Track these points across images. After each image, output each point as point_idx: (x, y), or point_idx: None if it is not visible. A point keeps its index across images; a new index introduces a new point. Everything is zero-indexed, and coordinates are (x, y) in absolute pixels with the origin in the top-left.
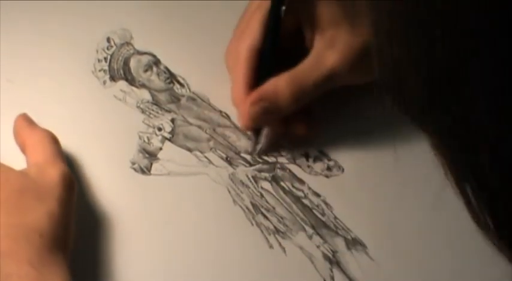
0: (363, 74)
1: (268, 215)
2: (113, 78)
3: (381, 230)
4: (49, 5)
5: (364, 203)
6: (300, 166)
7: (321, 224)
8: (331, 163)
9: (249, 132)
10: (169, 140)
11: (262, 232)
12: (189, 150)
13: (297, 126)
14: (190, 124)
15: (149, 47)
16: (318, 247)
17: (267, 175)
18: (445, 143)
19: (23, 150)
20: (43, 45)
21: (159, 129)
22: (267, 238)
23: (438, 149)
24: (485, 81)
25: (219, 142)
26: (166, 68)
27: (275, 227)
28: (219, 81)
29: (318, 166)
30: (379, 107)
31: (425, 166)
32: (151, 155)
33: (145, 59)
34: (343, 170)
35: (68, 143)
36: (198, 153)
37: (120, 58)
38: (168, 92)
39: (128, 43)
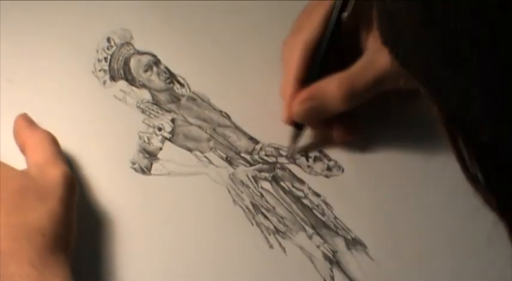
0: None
1: (268, 215)
2: (113, 78)
3: (381, 230)
4: (49, 5)
5: (364, 203)
6: (300, 166)
7: (321, 224)
8: (331, 163)
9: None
10: (170, 140)
11: (262, 232)
12: (189, 150)
13: (340, 130)
14: (191, 124)
15: (149, 47)
16: (318, 247)
17: (267, 174)
18: (441, 97)
19: (23, 150)
20: (43, 45)
21: (159, 129)
22: (267, 238)
23: (430, 98)
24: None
25: (219, 141)
26: (166, 68)
27: (275, 227)
28: (219, 81)
29: (318, 166)
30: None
31: (425, 166)
32: (152, 155)
33: (145, 59)
34: (343, 170)
35: (68, 143)
36: (198, 153)
37: (120, 58)
38: (168, 92)
39: (128, 43)
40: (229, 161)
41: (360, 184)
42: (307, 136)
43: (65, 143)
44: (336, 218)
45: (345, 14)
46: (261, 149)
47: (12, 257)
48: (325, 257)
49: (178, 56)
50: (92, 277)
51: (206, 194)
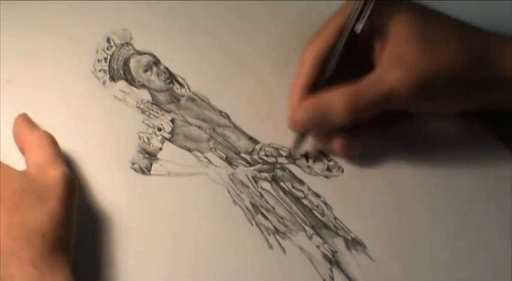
0: (421, 101)
1: (268, 215)
2: (112, 79)
3: (380, 231)
4: (49, 5)
5: (364, 204)
6: (299, 166)
7: (320, 224)
8: (331, 164)
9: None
10: (169, 140)
11: (262, 232)
12: (189, 150)
13: (340, 144)
14: (190, 124)
15: (149, 47)
16: (317, 247)
17: (266, 175)
18: None
19: (23, 151)
20: (43, 45)
21: (159, 129)
22: (266, 238)
23: None
24: None
25: (218, 142)
26: (166, 68)
27: (275, 227)
28: (219, 82)
29: (318, 167)
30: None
31: (425, 166)
32: (151, 155)
33: (145, 59)
34: (342, 170)
35: (67, 143)
36: (198, 153)
37: (120, 58)
38: (168, 92)
39: (128, 43)
40: (229, 161)
41: (359, 185)
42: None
43: (65, 144)
44: (335, 218)
45: (359, 27)
46: (260, 149)
47: (12, 257)
48: (325, 257)
49: (178, 56)
50: (92, 277)
51: (206, 195)
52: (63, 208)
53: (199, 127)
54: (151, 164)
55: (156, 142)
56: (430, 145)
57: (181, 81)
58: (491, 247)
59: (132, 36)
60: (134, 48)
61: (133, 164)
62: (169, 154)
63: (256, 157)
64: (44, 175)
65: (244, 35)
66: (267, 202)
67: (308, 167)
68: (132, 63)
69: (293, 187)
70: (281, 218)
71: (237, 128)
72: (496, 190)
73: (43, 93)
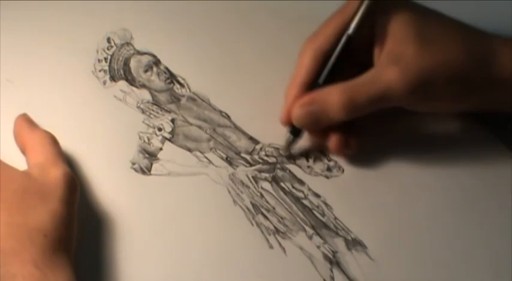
0: (417, 100)
1: (268, 215)
2: (113, 79)
3: (381, 231)
4: (49, 5)
5: (364, 204)
6: (300, 167)
7: (321, 224)
8: (331, 164)
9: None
10: (170, 140)
11: (262, 232)
12: (189, 150)
13: (336, 141)
14: (191, 124)
15: (149, 47)
16: (318, 247)
17: (267, 175)
18: None
19: (24, 151)
20: (43, 45)
21: (159, 129)
22: (267, 238)
23: None
24: None
25: (219, 142)
26: (166, 68)
27: (275, 227)
28: (219, 82)
29: (318, 167)
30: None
31: (425, 166)
32: (152, 155)
33: (145, 59)
34: (343, 170)
35: (68, 143)
36: (198, 153)
37: (120, 58)
38: (168, 92)
39: (128, 43)
40: (229, 161)
41: (360, 185)
42: (307, 137)
43: (65, 144)
44: (336, 218)
45: (351, 27)
46: (261, 149)
47: (14, 257)
48: (325, 257)
49: (178, 56)
50: (93, 277)
51: (206, 194)
52: (65, 208)
53: (199, 127)
54: (151, 164)
55: (156, 142)
56: (431, 145)
57: (182, 81)
58: (491, 247)
59: (133, 36)
60: (134, 48)
61: (133, 164)
62: (170, 154)
63: (256, 157)
64: (45, 174)
65: (244, 35)
66: (267, 202)
67: (308, 167)
68: (133, 63)
69: (293, 187)
70: (281, 218)
71: (237, 128)
72: (496, 190)
73: (43, 93)
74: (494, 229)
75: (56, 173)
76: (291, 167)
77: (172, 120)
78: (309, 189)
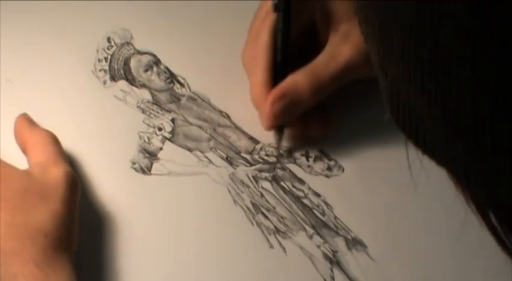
0: None
1: (268, 215)
2: (113, 78)
3: (381, 230)
4: (49, 5)
5: (365, 203)
6: (300, 166)
7: (321, 224)
8: (332, 163)
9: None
10: (170, 140)
11: (262, 231)
12: (190, 150)
13: (315, 126)
14: (191, 124)
15: (149, 46)
16: (318, 246)
17: (267, 174)
18: (463, 179)
19: (24, 150)
20: (43, 45)
21: (160, 129)
22: (267, 238)
23: (457, 183)
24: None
25: (219, 141)
26: (166, 67)
27: (275, 227)
28: (219, 81)
29: (318, 166)
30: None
31: (426, 166)
32: (152, 155)
33: (145, 58)
34: (343, 170)
35: (68, 143)
36: (199, 153)
37: (121, 58)
38: (169, 92)
39: (128, 43)
40: (229, 161)
41: (360, 184)
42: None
43: (65, 143)
44: (336, 218)
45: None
46: (261, 149)
47: (15, 257)
48: (326, 257)
49: (179, 56)
50: (93, 277)
51: (206, 194)
52: (66, 207)
53: (199, 127)
54: (151, 164)
55: (156, 142)
56: None
57: (182, 81)
58: (491, 247)
59: (133, 36)
60: (135, 48)
61: (133, 163)
62: (170, 154)
63: (256, 156)
64: (46, 174)
65: (244, 35)
66: (267, 201)
67: (308, 166)
68: (133, 63)
69: (293, 186)
70: (281, 217)
71: (237, 128)
72: None
73: (43, 93)
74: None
75: (56, 173)
76: (291, 166)
77: (173, 120)
78: (309, 188)
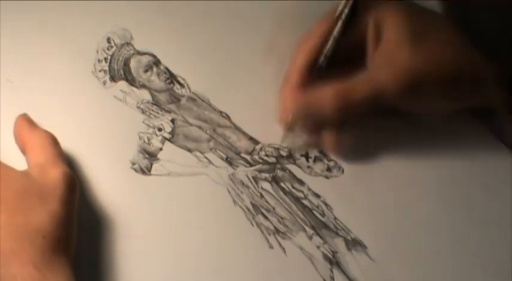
0: (411, 101)
1: (268, 215)
2: (113, 79)
3: (380, 231)
4: (49, 5)
5: (364, 204)
6: (300, 167)
7: (321, 224)
8: (331, 164)
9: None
10: (170, 140)
11: (262, 232)
12: (189, 150)
13: (330, 140)
14: (191, 124)
15: (149, 47)
16: (318, 247)
17: (267, 175)
18: None
19: (23, 151)
20: (43, 45)
21: (159, 129)
22: (267, 238)
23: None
24: None
25: (219, 142)
26: (166, 68)
27: (275, 227)
28: (219, 82)
29: (318, 167)
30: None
31: (426, 166)
32: (152, 156)
33: (145, 59)
34: (343, 171)
35: (67, 144)
36: (198, 153)
37: (121, 58)
38: (168, 93)
39: (128, 43)
40: (229, 161)
41: (359, 185)
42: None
43: (65, 143)
44: (335, 218)
45: (335, 32)
46: (261, 149)
47: (13, 258)
48: (325, 257)
49: (178, 56)
50: (92, 277)
51: (206, 195)
52: (64, 208)
53: (199, 127)
54: (151, 164)
55: (156, 142)
56: (431, 146)
57: (182, 82)
58: (491, 246)
59: (133, 36)
60: (134, 49)
61: (133, 164)
62: (170, 154)
63: (256, 157)
64: (45, 175)
65: (244, 35)
66: (267, 202)
67: (308, 167)
68: (133, 64)
69: (293, 187)
70: (281, 218)
71: (237, 128)
72: (496, 190)
73: (43, 93)
74: (494, 228)
75: (55, 174)
76: (291, 167)
77: (172, 121)
78: (309, 189)
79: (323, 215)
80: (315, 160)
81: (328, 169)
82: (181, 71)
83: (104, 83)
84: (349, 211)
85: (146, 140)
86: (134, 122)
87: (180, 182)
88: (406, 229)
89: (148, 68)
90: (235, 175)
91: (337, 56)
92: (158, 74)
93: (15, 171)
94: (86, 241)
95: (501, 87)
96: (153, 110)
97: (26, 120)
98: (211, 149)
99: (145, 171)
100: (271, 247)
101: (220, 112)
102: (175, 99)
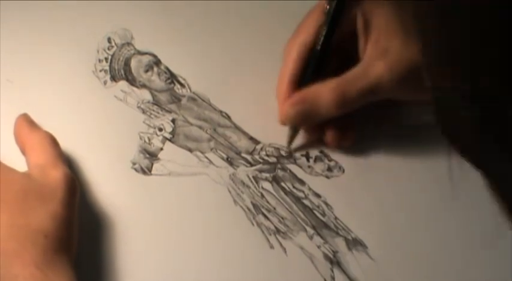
0: (408, 90)
1: (269, 215)
2: (113, 79)
3: (381, 231)
4: (49, 5)
5: (365, 204)
6: (300, 166)
7: (321, 224)
8: (332, 164)
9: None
10: (170, 140)
11: (263, 232)
12: (190, 150)
13: (332, 137)
14: (191, 124)
15: (150, 47)
16: (318, 247)
17: (267, 175)
18: (503, 187)
19: (24, 152)
20: (43, 45)
21: (160, 129)
22: (267, 238)
23: (495, 191)
24: None
25: (219, 142)
26: (166, 68)
27: (276, 227)
28: (219, 82)
29: (319, 167)
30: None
31: (426, 166)
32: (152, 156)
33: (146, 59)
34: (343, 170)
35: (68, 144)
36: (199, 153)
37: (121, 58)
38: (169, 92)
39: (129, 43)
40: (229, 161)
41: (360, 185)
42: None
43: (66, 143)
44: (336, 218)
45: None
46: (261, 149)
47: (15, 258)
48: (326, 257)
49: (179, 56)
50: (94, 277)
51: (207, 195)
52: (65, 209)
53: (200, 127)
54: (152, 164)
55: (157, 142)
56: (432, 147)
57: (182, 81)
58: (491, 246)
59: (133, 36)
60: (135, 48)
61: (134, 164)
62: (170, 154)
63: (257, 156)
64: (45, 176)
65: (244, 35)
66: (267, 202)
67: (309, 167)
68: (133, 63)
69: (294, 187)
70: (282, 218)
71: (237, 128)
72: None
73: (43, 93)
74: (495, 228)
75: (56, 175)
76: (292, 167)
77: (173, 121)
78: (310, 189)
79: (324, 215)
80: (316, 159)
81: (329, 169)
82: (182, 71)
83: (105, 83)
84: (349, 211)
85: (147, 140)
86: (135, 122)
87: (181, 182)
88: (407, 228)
89: (148, 68)
90: (235, 174)
91: (329, 48)
92: (159, 74)
93: (15, 172)
94: (86, 240)
95: None
96: (153, 110)
97: (26, 121)
98: (211, 149)
99: (146, 171)
100: (271, 246)
101: (221, 112)
102: (176, 99)
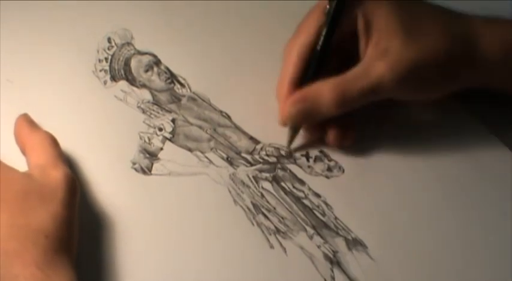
0: (409, 90)
1: (269, 215)
2: (113, 79)
3: (381, 230)
4: (49, 5)
5: (365, 204)
6: (300, 167)
7: (321, 224)
8: (332, 164)
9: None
10: (170, 140)
11: (263, 232)
12: (190, 150)
13: (333, 134)
14: (191, 124)
15: (150, 47)
16: (318, 247)
17: (267, 175)
18: None
19: (24, 152)
20: (43, 45)
21: (160, 129)
22: (267, 238)
23: None
24: None
25: (219, 142)
26: (166, 68)
27: (276, 227)
28: (219, 82)
29: (319, 167)
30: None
31: (426, 166)
32: (152, 155)
33: (146, 59)
34: (343, 170)
35: (68, 143)
36: (199, 153)
37: (121, 58)
38: (169, 92)
39: (129, 43)
40: (229, 161)
41: (360, 185)
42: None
43: (66, 143)
44: (336, 218)
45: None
46: (261, 149)
47: (16, 258)
48: (326, 257)
49: (179, 56)
50: (94, 277)
51: (207, 194)
52: (66, 209)
53: (200, 127)
54: (152, 164)
55: (157, 142)
56: (432, 146)
57: (182, 81)
58: (491, 246)
59: (133, 36)
60: (135, 48)
61: (134, 164)
62: (170, 154)
63: (257, 156)
64: (45, 176)
65: (244, 35)
66: (267, 201)
67: (309, 167)
68: (133, 63)
69: (294, 187)
70: (282, 218)
71: (237, 128)
72: (496, 188)
73: (43, 93)
74: (494, 228)
75: (56, 175)
76: (292, 167)
77: (173, 120)
78: (310, 189)
79: (324, 214)
80: (316, 159)
81: (329, 169)
82: (182, 71)
83: (105, 82)
84: (349, 211)
85: (147, 140)
86: (135, 121)
87: (181, 181)
88: (407, 228)
89: (148, 68)
90: (235, 174)
91: (329, 49)
92: (159, 74)
93: (16, 172)
94: (86, 240)
95: None
96: (153, 110)
97: (26, 121)
98: (211, 149)
99: (146, 171)
100: (271, 246)
101: (221, 112)
102: (176, 99)
